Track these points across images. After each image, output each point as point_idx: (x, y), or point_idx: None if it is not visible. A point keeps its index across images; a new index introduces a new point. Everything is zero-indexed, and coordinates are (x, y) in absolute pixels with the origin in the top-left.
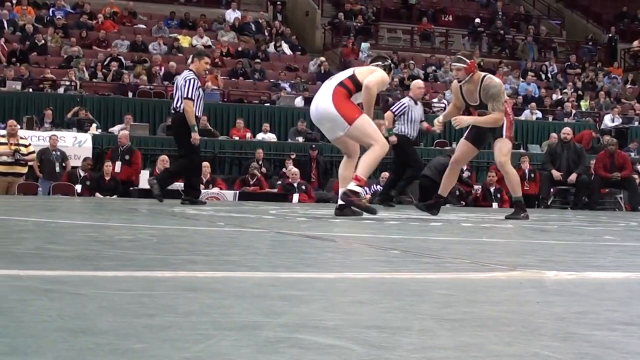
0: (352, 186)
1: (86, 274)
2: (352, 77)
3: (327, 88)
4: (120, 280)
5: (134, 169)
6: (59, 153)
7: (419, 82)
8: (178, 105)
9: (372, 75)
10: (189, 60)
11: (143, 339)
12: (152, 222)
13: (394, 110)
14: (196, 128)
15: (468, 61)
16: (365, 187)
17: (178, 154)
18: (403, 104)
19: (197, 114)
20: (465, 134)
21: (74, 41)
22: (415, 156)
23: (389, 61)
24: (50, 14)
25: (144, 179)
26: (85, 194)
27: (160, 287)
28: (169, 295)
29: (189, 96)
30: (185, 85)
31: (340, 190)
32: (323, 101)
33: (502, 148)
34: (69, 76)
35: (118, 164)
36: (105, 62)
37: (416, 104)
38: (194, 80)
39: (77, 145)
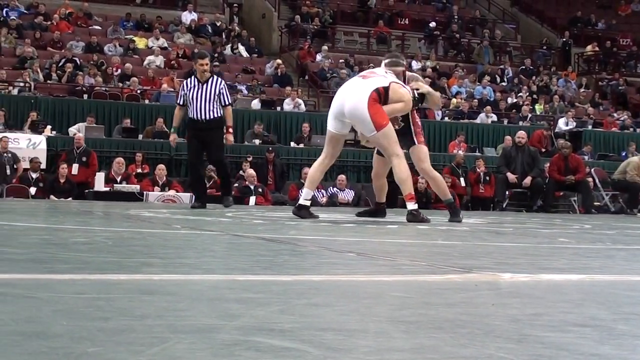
0: (412, 206)
1: (40, 277)
2: (387, 89)
3: (362, 89)
4: (75, 284)
5: (91, 170)
6: (10, 155)
7: None
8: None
9: (400, 103)
10: None
11: (98, 343)
12: (107, 224)
13: None
14: (172, 130)
15: (403, 63)
16: (322, 190)
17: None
18: None
19: (191, 116)
20: (375, 149)
21: (28, 42)
22: None
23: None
24: (4, 15)
25: (99, 181)
26: (40, 196)
27: (115, 290)
28: (124, 299)
29: (177, 102)
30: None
31: (306, 191)
32: (355, 100)
33: (420, 155)
34: (23, 77)
35: (75, 166)
36: (60, 64)
37: None
38: (180, 86)
39: (31, 147)
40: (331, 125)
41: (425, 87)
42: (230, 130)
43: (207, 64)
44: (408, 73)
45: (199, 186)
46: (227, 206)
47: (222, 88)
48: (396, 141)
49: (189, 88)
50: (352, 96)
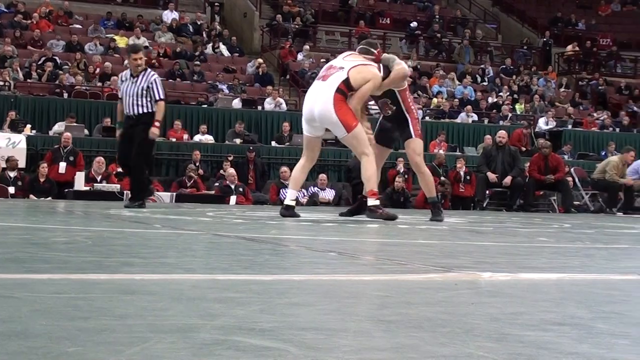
0: (372, 202)
1: (20, 277)
2: (346, 81)
3: (325, 92)
4: (55, 283)
5: (78, 169)
6: None
7: None
8: None
9: (366, 85)
10: None
11: (77, 342)
12: (87, 224)
13: None
14: (116, 125)
15: (375, 50)
16: (303, 190)
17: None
18: None
19: (126, 112)
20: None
21: (8, 41)
22: None
23: (378, 45)
24: None
25: (79, 181)
26: (19, 196)
27: (95, 289)
28: (104, 298)
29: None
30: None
31: (291, 192)
32: (321, 104)
33: (415, 148)
34: (2, 76)
35: (62, 165)
36: (40, 62)
37: None
38: (119, 80)
39: (10, 146)
40: (305, 129)
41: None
42: (157, 124)
43: (140, 59)
44: (383, 55)
45: (134, 184)
46: (126, 206)
47: (152, 82)
48: (366, 140)
49: (122, 82)
50: (318, 101)
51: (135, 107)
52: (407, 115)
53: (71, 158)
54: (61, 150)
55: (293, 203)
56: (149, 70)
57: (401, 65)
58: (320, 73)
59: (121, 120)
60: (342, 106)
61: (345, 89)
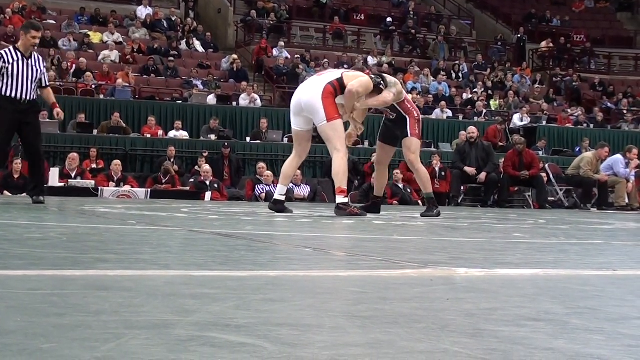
0: (341, 199)
1: None
2: (340, 80)
3: (317, 83)
4: (29, 280)
5: None
6: None
7: None
8: None
9: (357, 80)
10: None
11: (52, 339)
12: (62, 220)
13: None
14: None
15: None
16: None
17: None
18: None
19: (10, 94)
20: (378, 136)
21: None
22: None
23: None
24: None
25: (53, 177)
26: None
27: (70, 286)
28: (79, 295)
29: None
30: None
31: (280, 186)
32: (310, 93)
33: (410, 146)
34: None
35: (18, 161)
36: None
37: None
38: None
39: None
40: (294, 123)
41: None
42: (57, 105)
43: (39, 38)
44: (388, 78)
45: (40, 176)
46: (38, 202)
47: (44, 67)
48: (342, 137)
49: (9, 61)
50: (308, 90)
51: (29, 92)
52: (406, 116)
53: None
54: (19, 147)
55: (282, 198)
56: (35, 52)
57: (390, 96)
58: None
59: None
60: (329, 97)
61: (337, 86)
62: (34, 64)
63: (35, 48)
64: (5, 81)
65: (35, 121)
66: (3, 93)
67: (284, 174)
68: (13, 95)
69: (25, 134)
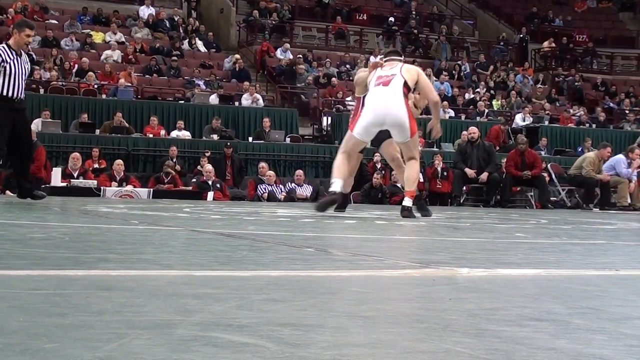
0: (408, 202)
1: None
2: (405, 84)
3: (396, 99)
4: (32, 279)
5: (37, 165)
6: None
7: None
8: None
9: (430, 88)
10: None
11: (54, 339)
12: (64, 220)
13: None
14: None
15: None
16: (280, 186)
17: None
18: None
19: (5, 94)
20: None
21: None
22: None
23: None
24: None
25: (56, 177)
26: None
27: (72, 286)
28: (81, 294)
29: None
30: None
31: (337, 180)
32: (398, 109)
33: (396, 146)
34: None
35: None
36: None
37: None
38: None
39: None
40: (362, 133)
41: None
42: None
43: (32, 38)
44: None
45: (28, 172)
46: (41, 197)
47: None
48: (419, 147)
49: (7, 60)
50: (391, 108)
51: (22, 90)
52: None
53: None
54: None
55: (339, 189)
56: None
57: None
58: (375, 79)
59: None
60: (410, 113)
61: (407, 91)
62: (24, 61)
63: (29, 47)
64: (1, 80)
65: (25, 118)
66: (0, 92)
67: (342, 171)
68: (10, 94)
69: (18, 132)
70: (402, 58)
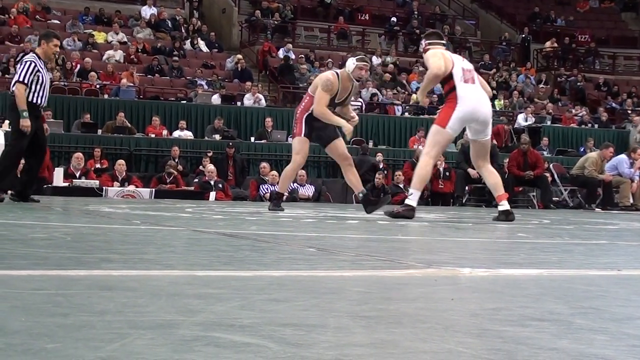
0: (505, 206)
1: None
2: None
3: (486, 96)
4: (34, 280)
5: None
6: None
7: None
8: (13, 88)
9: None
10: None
11: (56, 339)
12: (66, 220)
13: None
14: (26, 114)
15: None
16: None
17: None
18: None
19: (35, 101)
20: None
21: None
22: None
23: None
24: None
25: (58, 177)
26: None
27: (74, 286)
28: (83, 294)
29: (21, 79)
30: (20, 68)
31: (416, 193)
32: (489, 107)
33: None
34: None
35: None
36: (18, 58)
37: None
38: (32, 64)
39: None
40: (457, 128)
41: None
42: None
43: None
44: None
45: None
46: (36, 201)
47: None
48: None
49: (40, 69)
50: (484, 105)
51: (46, 99)
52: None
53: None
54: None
55: (414, 204)
56: None
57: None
58: (461, 74)
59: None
60: None
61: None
62: (47, 71)
63: (56, 55)
64: (33, 88)
65: (42, 125)
66: (33, 100)
67: (424, 178)
68: (38, 102)
69: (38, 138)
70: (444, 42)
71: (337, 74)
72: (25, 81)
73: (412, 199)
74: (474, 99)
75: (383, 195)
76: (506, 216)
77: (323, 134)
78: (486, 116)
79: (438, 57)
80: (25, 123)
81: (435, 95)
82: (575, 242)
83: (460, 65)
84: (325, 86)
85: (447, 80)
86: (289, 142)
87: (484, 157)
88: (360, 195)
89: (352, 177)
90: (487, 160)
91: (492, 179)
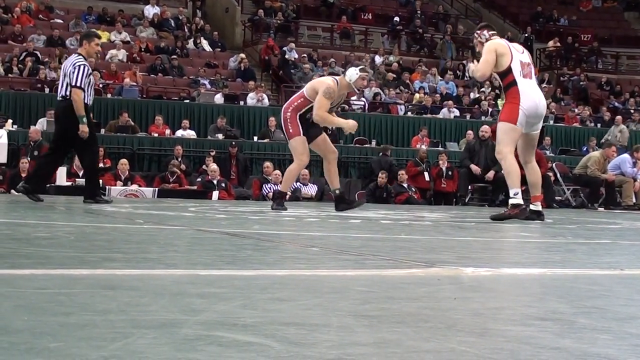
0: (538, 207)
1: (1, 272)
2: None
3: (541, 91)
4: (37, 279)
5: None
6: None
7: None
8: (67, 93)
9: None
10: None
11: (59, 338)
12: (69, 219)
13: None
14: (85, 119)
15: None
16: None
17: (57, 146)
18: None
19: (87, 103)
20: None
21: None
22: None
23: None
24: None
25: (61, 176)
26: (0, 191)
27: (77, 285)
28: (86, 294)
29: (78, 84)
30: (74, 72)
31: (516, 190)
32: (545, 101)
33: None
34: None
35: (24, 160)
36: (21, 57)
37: None
38: (84, 67)
39: None
40: (524, 125)
41: None
42: None
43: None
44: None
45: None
46: (39, 200)
47: None
48: None
49: (91, 70)
50: (543, 99)
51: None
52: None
53: (35, 153)
54: (29, 145)
55: (520, 200)
56: None
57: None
58: (520, 69)
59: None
60: None
61: None
62: None
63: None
64: (86, 90)
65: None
66: (86, 102)
67: (518, 174)
68: (89, 103)
69: (78, 137)
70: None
71: (336, 81)
72: (82, 85)
73: (517, 198)
74: (535, 94)
75: (385, 194)
76: (537, 216)
77: (311, 131)
78: (544, 111)
79: (489, 63)
80: (85, 129)
81: (437, 95)
82: (578, 241)
83: (518, 58)
84: (328, 94)
85: (506, 74)
86: None
87: (531, 152)
88: (337, 192)
89: (334, 171)
90: (534, 155)
91: (534, 177)
